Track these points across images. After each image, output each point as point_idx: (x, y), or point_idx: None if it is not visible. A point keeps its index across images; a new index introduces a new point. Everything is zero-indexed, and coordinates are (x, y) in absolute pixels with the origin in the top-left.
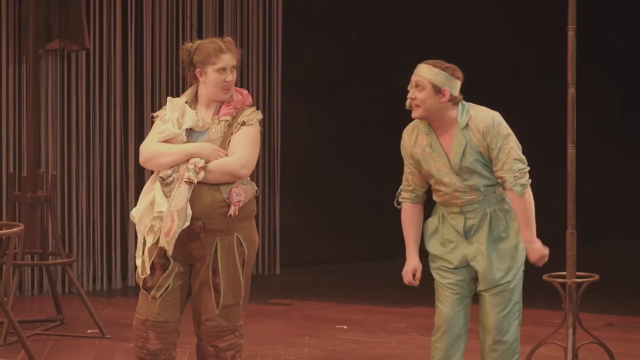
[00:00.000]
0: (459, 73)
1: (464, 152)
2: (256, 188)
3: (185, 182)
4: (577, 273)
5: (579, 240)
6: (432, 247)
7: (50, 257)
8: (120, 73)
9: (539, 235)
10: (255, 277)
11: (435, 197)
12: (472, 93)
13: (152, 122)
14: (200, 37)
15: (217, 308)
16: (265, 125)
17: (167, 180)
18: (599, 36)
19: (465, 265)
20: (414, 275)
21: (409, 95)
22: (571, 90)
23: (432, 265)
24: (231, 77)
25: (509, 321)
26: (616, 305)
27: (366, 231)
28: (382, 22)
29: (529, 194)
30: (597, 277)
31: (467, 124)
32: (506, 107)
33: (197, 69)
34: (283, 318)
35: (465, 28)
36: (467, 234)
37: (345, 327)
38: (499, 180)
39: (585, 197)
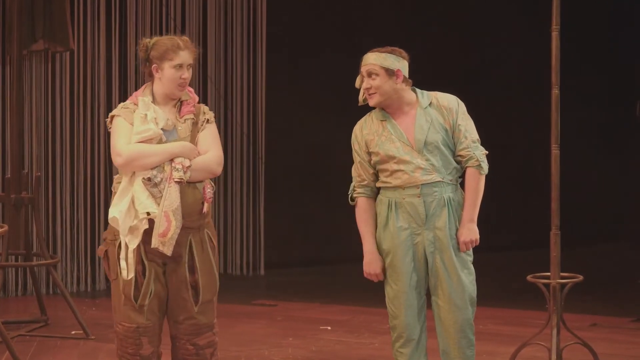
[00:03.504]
0: (405, 54)
1: (429, 128)
2: (212, 184)
3: (176, 182)
4: (561, 274)
5: (563, 240)
6: (384, 240)
7: (34, 258)
8: (105, 74)
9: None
10: (239, 278)
11: (389, 184)
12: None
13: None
14: None
15: (196, 305)
16: (250, 127)
17: (155, 181)
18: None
19: (418, 259)
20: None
21: (363, 87)
22: (555, 91)
23: (385, 262)
24: (187, 74)
25: (470, 320)
26: (600, 306)
27: (351, 232)
28: (371, 24)
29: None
30: (581, 277)
31: (430, 103)
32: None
33: (154, 65)
34: (267, 319)
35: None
36: (427, 215)
37: (329, 327)
38: (462, 159)
39: (569, 197)
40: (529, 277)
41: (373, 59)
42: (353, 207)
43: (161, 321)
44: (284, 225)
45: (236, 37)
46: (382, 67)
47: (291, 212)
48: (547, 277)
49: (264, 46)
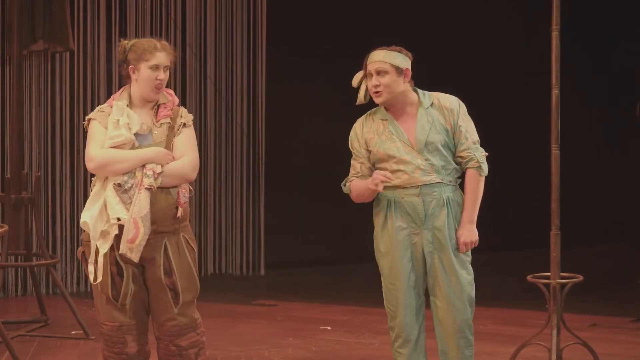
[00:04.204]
0: (410, 54)
1: (430, 129)
2: (191, 188)
3: (146, 188)
4: (561, 274)
5: (563, 240)
6: (382, 240)
7: (34, 258)
8: (105, 74)
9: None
10: (239, 278)
11: (389, 183)
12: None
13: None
14: (184, 37)
15: (176, 307)
16: (250, 126)
17: (125, 187)
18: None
19: (416, 258)
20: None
21: (371, 85)
22: (555, 92)
23: (382, 263)
24: (163, 75)
25: (469, 320)
26: (600, 306)
27: (351, 232)
28: (371, 23)
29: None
30: (581, 277)
31: (431, 103)
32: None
33: (131, 66)
34: (267, 319)
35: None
36: (426, 215)
37: (329, 327)
38: (462, 160)
39: (569, 197)
40: (529, 277)
41: (383, 57)
42: (351, 204)
43: (145, 320)
44: (284, 225)
45: (236, 36)
46: (392, 65)
47: (291, 212)
48: (547, 277)
49: (264, 46)
